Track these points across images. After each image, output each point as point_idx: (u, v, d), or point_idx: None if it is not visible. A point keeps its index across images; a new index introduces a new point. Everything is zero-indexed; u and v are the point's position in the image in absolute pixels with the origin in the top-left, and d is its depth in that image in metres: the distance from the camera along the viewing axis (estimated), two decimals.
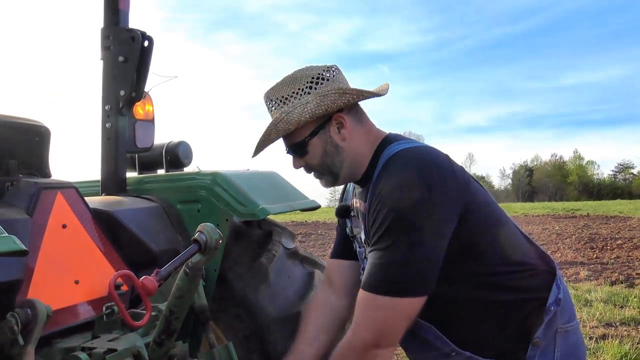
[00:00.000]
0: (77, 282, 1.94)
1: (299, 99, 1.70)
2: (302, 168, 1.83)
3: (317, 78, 1.71)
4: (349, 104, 1.72)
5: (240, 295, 2.45)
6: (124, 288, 2.04)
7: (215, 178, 2.40)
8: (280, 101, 1.73)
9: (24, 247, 1.23)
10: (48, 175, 2.27)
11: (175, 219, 2.41)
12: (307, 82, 1.71)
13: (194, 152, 2.88)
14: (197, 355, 2.11)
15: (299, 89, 1.71)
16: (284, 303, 2.45)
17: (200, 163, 2.77)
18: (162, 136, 2.87)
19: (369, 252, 1.64)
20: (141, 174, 2.95)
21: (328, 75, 1.73)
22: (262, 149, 1.81)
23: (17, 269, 1.66)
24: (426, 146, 1.75)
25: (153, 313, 1.87)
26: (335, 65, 1.79)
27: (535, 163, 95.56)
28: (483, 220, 1.68)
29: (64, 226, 1.97)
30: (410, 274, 1.55)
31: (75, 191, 2.05)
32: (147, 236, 2.21)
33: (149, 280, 1.39)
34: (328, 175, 1.82)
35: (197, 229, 1.51)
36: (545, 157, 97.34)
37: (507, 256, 1.68)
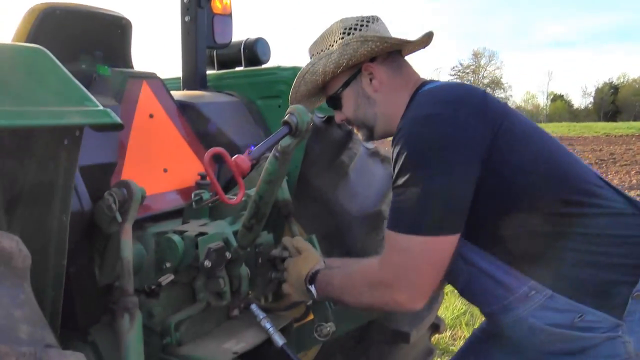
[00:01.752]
0: (165, 171, 1.98)
1: (328, 51, 1.68)
2: (346, 122, 1.79)
3: (350, 29, 1.66)
4: (373, 52, 1.63)
5: (320, 193, 2.44)
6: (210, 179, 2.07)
7: (296, 72, 2.32)
8: (316, 56, 1.71)
9: (119, 121, 1.22)
10: (130, 67, 2.28)
11: (256, 114, 2.39)
12: (340, 34, 1.67)
13: (272, 49, 2.80)
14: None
15: (333, 42, 1.68)
16: (364, 202, 2.43)
17: (279, 60, 2.70)
18: (240, 33, 2.80)
19: (392, 190, 1.54)
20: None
21: (361, 26, 1.66)
22: (297, 103, 1.76)
23: (112, 152, 1.70)
24: (456, 83, 1.63)
25: (242, 199, 1.89)
26: (374, 16, 1.71)
27: (622, 80, 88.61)
28: (519, 156, 1.50)
29: (151, 116, 1.98)
30: (422, 210, 1.43)
31: (160, 82, 2.05)
32: (229, 129, 2.21)
33: (241, 159, 1.36)
34: (364, 128, 1.77)
35: (288, 111, 1.46)
36: (634, 74, 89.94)
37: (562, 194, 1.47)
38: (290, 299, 1.89)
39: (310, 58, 1.76)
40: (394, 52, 1.70)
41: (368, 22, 1.68)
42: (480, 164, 1.45)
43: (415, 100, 1.59)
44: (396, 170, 1.49)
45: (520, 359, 1.59)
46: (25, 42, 1.94)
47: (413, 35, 1.70)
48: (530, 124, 1.60)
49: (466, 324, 4.16)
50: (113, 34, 2.21)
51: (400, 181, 1.47)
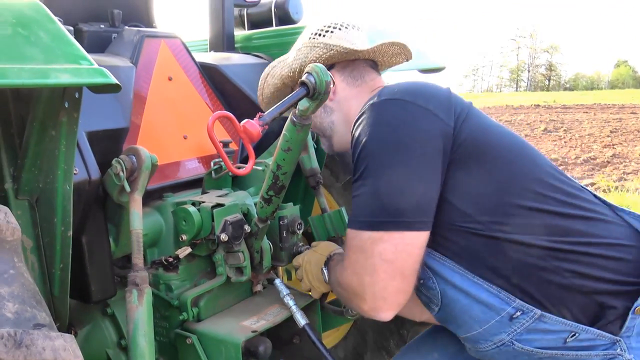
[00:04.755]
0: (185, 138, 1.87)
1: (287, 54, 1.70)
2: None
3: (314, 34, 1.64)
4: (322, 59, 1.58)
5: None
6: (233, 146, 1.94)
7: None
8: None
9: (114, 80, 1.09)
10: (153, 27, 2.16)
11: None
12: (306, 37, 1.67)
13: (305, 7, 2.62)
14: (308, 219, 2.02)
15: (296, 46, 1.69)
16: None
17: (312, 18, 2.52)
18: None
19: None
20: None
21: (325, 31, 1.62)
22: (267, 106, 1.75)
23: (123, 117, 1.59)
24: (414, 80, 1.50)
25: (260, 168, 1.76)
26: (348, 24, 1.65)
27: None
28: (478, 160, 1.35)
29: (170, 78, 1.87)
30: (378, 204, 1.30)
31: (180, 42, 1.92)
32: (256, 94, 2.07)
33: (251, 124, 1.22)
34: (323, 138, 1.73)
35: (305, 70, 1.30)
36: None
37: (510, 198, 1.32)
38: (306, 286, 1.77)
39: None
40: (357, 61, 1.64)
41: (335, 28, 1.63)
42: (444, 154, 1.32)
43: (368, 102, 1.45)
44: (354, 159, 1.39)
45: None
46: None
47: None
48: (494, 122, 1.48)
49: None
50: None
51: (359, 171, 1.35)
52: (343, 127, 1.63)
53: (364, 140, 1.35)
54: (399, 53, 1.69)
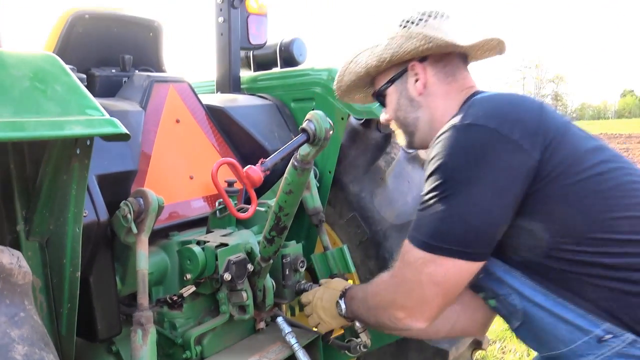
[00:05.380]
0: (191, 178, 1.93)
1: (375, 42, 1.58)
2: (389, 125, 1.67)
3: (407, 21, 1.52)
4: (418, 51, 1.49)
5: (356, 199, 2.33)
6: (237, 186, 2.00)
7: (331, 73, 2.23)
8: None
9: (124, 130, 1.16)
10: (162, 70, 2.25)
11: (289, 118, 2.31)
12: (396, 25, 1.54)
13: (310, 50, 2.71)
14: (310, 257, 2.06)
15: (386, 32, 1.57)
16: (403, 209, 2.30)
17: (315, 61, 2.60)
18: (276, 33, 2.72)
19: None
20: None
21: (419, 20, 1.52)
22: (342, 94, 1.71)
23: (132, 160, 1.65)
24: (509, 95, 1.44)
25: (262, 209, 1.81)
26: (440, 12, 1.56)
27: None
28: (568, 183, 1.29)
29: (178, 121, 1.93)
30: (439, 227, 1.30)
31: (187, 86, 2.00)
32: (260, 134, 2.13)
33: (253, 170, 1.28)
34: (404, 133, 1.63)
35: (306, 117, 1.36)
36: None
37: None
38: (314, 321, 1.77)
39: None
40: (451, 55, 1.55)
41: (429, 16, 1.52)
42: (521, 189, 1.28)
43: (462, 109, 1.44)
44: (426, 177, 1.37)
45: None
46: (55, 47, 1.94)
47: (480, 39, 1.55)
48: (589, 142, 1.39)
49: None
50: (144, 38, 2.18)
51: (427, 190, 1.34)
52: (427, 125, 1.57)
53: (440, 161, 1.33)
54: (494, 47, 1.62)
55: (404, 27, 1.52)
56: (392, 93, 1.59)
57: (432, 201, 1.32)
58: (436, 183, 1.31)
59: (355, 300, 1.61)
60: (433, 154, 1.36)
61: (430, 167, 1.35)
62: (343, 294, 1.66)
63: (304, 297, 1.81)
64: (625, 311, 1.24)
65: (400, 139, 1.68)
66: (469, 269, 1.31)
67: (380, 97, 1.64)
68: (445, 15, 1.56)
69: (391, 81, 1.58)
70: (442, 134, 1.37)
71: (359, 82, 1.66)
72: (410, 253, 1.36)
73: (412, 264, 1.35)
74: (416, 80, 1.54)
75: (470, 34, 1.55)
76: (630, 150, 17.84)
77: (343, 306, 1.65)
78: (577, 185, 1.30)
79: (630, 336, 1.22)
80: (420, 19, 1.51)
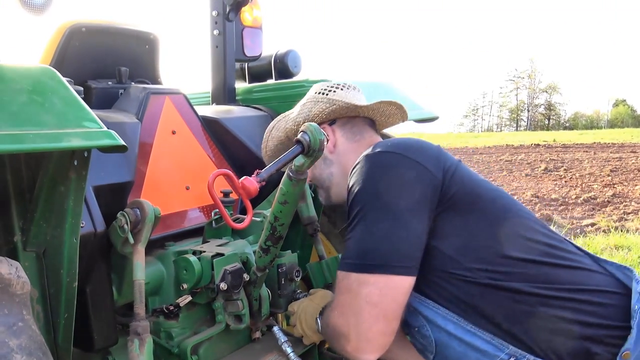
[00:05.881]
0: (187, 188, 1.95)
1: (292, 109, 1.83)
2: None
3: (319, 92, 1.75)
4: (324, 113, 1.71)
5: None
6: (234, 196, 2.02)
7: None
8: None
9: (121, 142, 1.18)
10: (159, 82, 2.27)
11: None
12: (310, 96, 1.79)
13: (305, 61, 2.74)
14: (306, 266, 2.07)
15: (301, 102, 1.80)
16: None
17: (310, 73, 2.64)
18: (271, 45, 2.76)
19: None
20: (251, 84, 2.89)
21: (329, 90, 1.74)
22: (269, 159, 1.89)
23: (128, 171, 1.67)
24: (407, 138, 1.61)
25: (258, 219, 1.83)
26: (350, 85, 1.78)
27: None
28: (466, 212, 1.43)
29: (174, 132, 1.95)
30: (366, 247, 1.38)
31: (183, 97, 2.02)
32: (255, 145, 2.15)
33: (249, 180, 1.30)
34: (321, 189, 1.83)
35: (300, 129, 1.39)
36: None
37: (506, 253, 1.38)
38: (298, 333, 1.80)
39: None
40: (357, 119, 1.76)
41: (338, 87, 1.75)
42: (430, 204, 1.40)
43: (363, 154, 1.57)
44: (347, 208, 1.47)
45: None
46: (52, 59, 1.96)
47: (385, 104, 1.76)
48: (481, 177, 1.57)
49: None
50: (140, 50, 2.21)
51: (350, 219, 1.44)
52: (341, 179, 1.72)
53: (357, 188, 1.44)
54: (395, 113, 1.81)
55: (318, 93, 1.75)
56: None
57: (356, 226, 1.41)
58: (356, 209, 1.42)
59: (324, 317, 1.61)
60: (350, 184, 1.48)
61: (350, 197, 1.46)
62: (322, 311, 1.67)
63: (290, 307, 1.84)
64: (525, 333, 1.32)
65: (319, 196, 1.86)
66: (402, 284, 1.35)
67: None
68: (355, 88, 1.78)
69: None
70: (355, 166, 1.51)
71: (282, 146, 1.85)
72: (344, 280, 1.41)
73: (347, 288, 1.39)
74: (327, 141, 1.69)
75: (371, 100, 1.74)
76: (623, 159, 17.97)
77: (319, 324, 1.66)
78: (474, 209, 1.43)
79: (531, 357, 1.30)
80: (330, 90, 1.74)
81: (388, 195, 1.39)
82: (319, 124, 1.62)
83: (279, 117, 1.87)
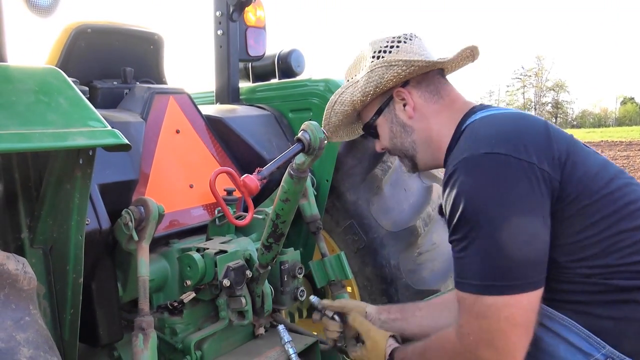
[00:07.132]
0: (191, 187, 1.97)
1: (356, 78, 1.58)
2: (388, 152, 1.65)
3: (379, 52, 1.52)
4: (400, 77, 1.48)
5: (353, 207, 2.37)
6: (236, 194, 2.04)
7: (328, 84, 2.29)
8: (346, 83, 1.61)
9: (125, 141, 1.20)
10: (163, 82, 2.30)
11: (287, 128, 2.36)
12: (369, 58, 1.54)
13: (309, 60, 2.76)
14: (308, 263, 2.10)
15: (362, 67, 1.56)
16: (399, 217, 2.34)
17: (313, 72, 2.66)
18: (275, 45, 2.78)
19: (450, 242, 1.37)
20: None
21: (391, 47, 1.52)
22: (334, 135, 1.67)
23: (133, 170, 1.70)
24: (513, 113, 1.44)
25: (260, 217, 1.85)
26: (408, 34, 1.56)
27: None
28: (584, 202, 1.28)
29: (178, 131, 1.98)
30: (494, 269, 1.25)
31: (187, 97, 2.04)
32: (259, 144, 2.18)
33: (250, 178, 1.32)
34: (405, 159, 1.61)
35: (301, 128, 1.41)
36: None
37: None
38: None
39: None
40: (430, 73, 1.54)
41: (399, 42, 1.53)
42: (549, 207, 1.26)
43: (467, 132, 1.40)
44: (453, 221, 1.29)
45: None
46: (58, 60, 2.00)
47: (453, 52, 1.56)
48: (596, 159, 1.39)
49: None
50: (145, 50, 2.24)
51: (460, 234, 1.28)
52: (425, 146, 1.55)
53: (464, 200, 1.27)
54: (469, 56, 1.62)
55: (378, 57, 1.52)
56: (382, 123, 1.57)
57: (467, 244, 1.27)
58: (470, 224, 1.26)
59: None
60: (454, 193, 1.30)
61: (457, 208, 1.28)
62: (391, 356, 1.56)
63: (353, 354, 1.68)
64: (625, 337, 1.23)
65: (403, 165, 1.66)
66: (537, 296, 1.26)
67: (370, 130, 1.62)
68: (412, 36, 1.56)
69: (379, 112, 1.57)
70: (454, 171, 1.32)
71: (345, 119, 1.66)
72: (478, 303, 1.26)
73: (485, 313, 1.26)
74: (404, 105, 1.52)
75: (445, 49, 1.57)
76: (630, 157, 17.87)
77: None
78: (592, 206, 1.28)
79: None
80: (392, 46, 1.52)
81: (505, 206, 1.24)
82: (391, 88, 1.51)
83: (338, 91, 1.63)
